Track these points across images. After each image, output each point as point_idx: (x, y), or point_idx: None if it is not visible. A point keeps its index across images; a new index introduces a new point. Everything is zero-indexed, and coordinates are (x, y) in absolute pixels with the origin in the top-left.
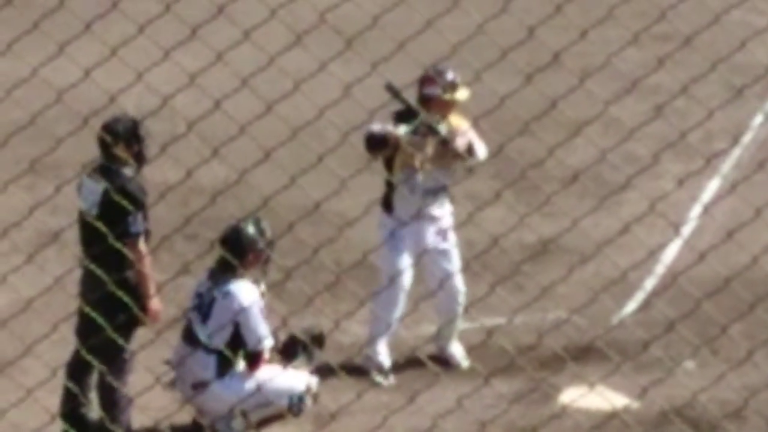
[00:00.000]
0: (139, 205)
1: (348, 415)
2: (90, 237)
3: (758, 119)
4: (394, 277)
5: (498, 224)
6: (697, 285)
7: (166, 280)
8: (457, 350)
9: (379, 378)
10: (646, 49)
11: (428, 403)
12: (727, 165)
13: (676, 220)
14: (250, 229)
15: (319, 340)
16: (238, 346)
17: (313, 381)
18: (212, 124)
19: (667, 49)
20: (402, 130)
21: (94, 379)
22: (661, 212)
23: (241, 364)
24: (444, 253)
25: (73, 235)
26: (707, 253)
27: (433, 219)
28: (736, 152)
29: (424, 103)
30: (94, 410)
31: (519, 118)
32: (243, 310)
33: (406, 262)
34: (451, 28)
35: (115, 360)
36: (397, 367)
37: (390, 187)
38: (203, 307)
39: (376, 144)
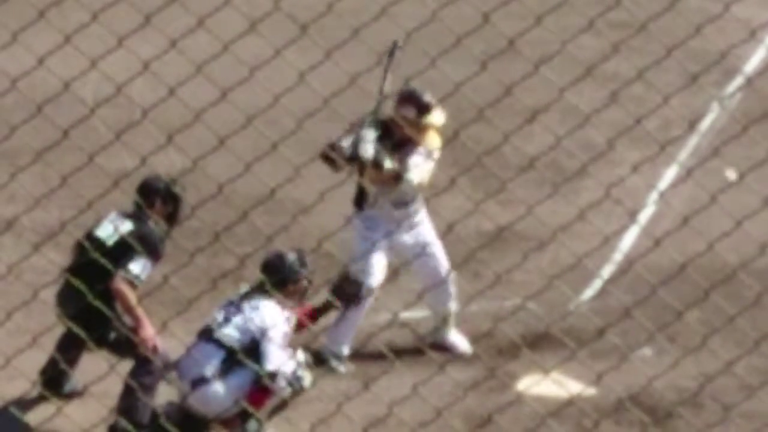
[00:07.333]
0: (154, 256)
1: (305, 403)
2: (89, 262)
3: (715, 106)
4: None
5: (454, 212)
6: (653, 272)
7: None
8: (457, 338)
9: (336, 365)
10: (602, 37)
11: (385, 391)
12: (683, 152)
13: (633, 207)
14: (294, 261)
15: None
16: (250, 356)
17: (300, 354)
18: (168, 111)
19: (623, 37)
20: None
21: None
22: (618, 199)
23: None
24: (423, 249)
25: (29, 222)
26: (664, 241)
27: (400, 221)
28: (693, 139)
29: (399, 123)
30: (72, 381)
31: (475, 105)
32: (266, 330)
33: (381, 256)
34: (407, 15)
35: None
36: (355, 356)
37: (362, 188)
38: (230, 312)
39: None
